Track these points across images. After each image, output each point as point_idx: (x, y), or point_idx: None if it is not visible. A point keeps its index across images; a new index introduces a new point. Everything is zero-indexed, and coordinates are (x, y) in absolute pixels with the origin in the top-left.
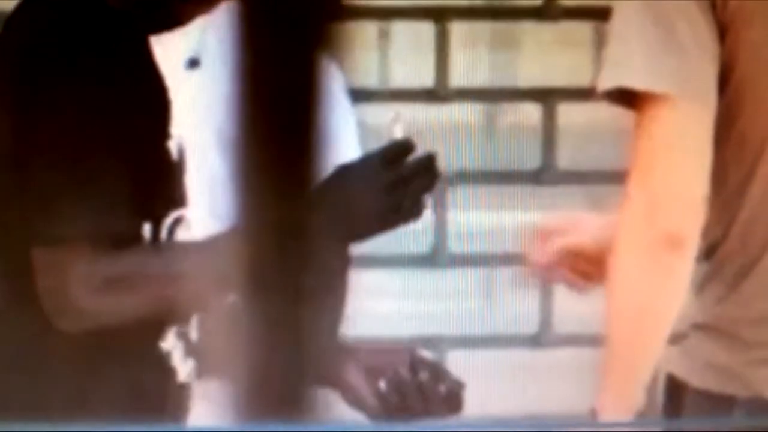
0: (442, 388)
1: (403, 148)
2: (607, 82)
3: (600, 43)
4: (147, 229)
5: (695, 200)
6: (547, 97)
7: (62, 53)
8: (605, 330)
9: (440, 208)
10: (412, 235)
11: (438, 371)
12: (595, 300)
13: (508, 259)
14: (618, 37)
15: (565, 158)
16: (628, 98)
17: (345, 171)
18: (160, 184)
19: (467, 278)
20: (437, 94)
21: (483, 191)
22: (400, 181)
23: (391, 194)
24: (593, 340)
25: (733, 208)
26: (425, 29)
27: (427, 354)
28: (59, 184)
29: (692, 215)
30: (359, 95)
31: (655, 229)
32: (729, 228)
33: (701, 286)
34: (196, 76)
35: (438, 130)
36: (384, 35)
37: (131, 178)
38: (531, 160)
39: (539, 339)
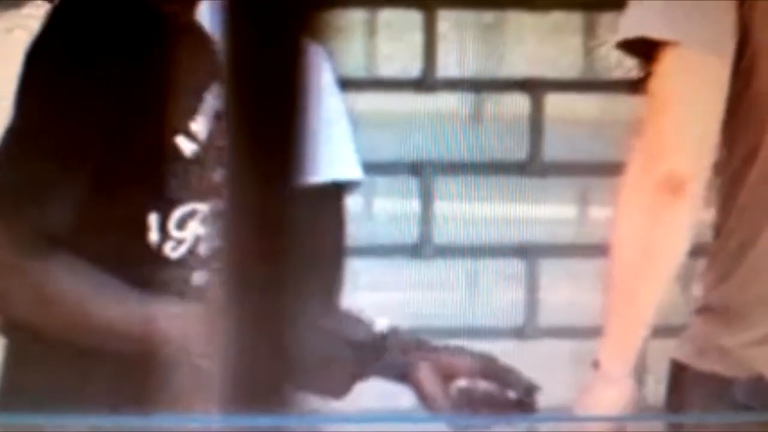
0: (513, 395)
1: (368, 341)
2: (621, 33)
3: (589, 34)
4: (153, 219)
5: (700, 146)
6: (534, 87)
7: (95, 43)
8: (607, 274)
9: (426, 198)
10: (397, 226)
11: (510, 377)
12: (580, 293)
13: (493, 251)
14: None
15: (552, 150)
16: (644, 50)
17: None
18: (170, 176)
19: (452, 269)
20: (424, 83)
21: (469, 182)
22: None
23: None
24: (578, 333)
25: (736, 186)
26: (412, 18)
27: (501, 360)
28: (30, 164)
29: (695, 160)
30: (345, 84)
31: (657, 170)
32: (731, 207)
33: (705, 270)
34: None
35: (424, 119)
36: (371, 24)
37: (133, 168)
38: (518, 151)
39: (524, 331)
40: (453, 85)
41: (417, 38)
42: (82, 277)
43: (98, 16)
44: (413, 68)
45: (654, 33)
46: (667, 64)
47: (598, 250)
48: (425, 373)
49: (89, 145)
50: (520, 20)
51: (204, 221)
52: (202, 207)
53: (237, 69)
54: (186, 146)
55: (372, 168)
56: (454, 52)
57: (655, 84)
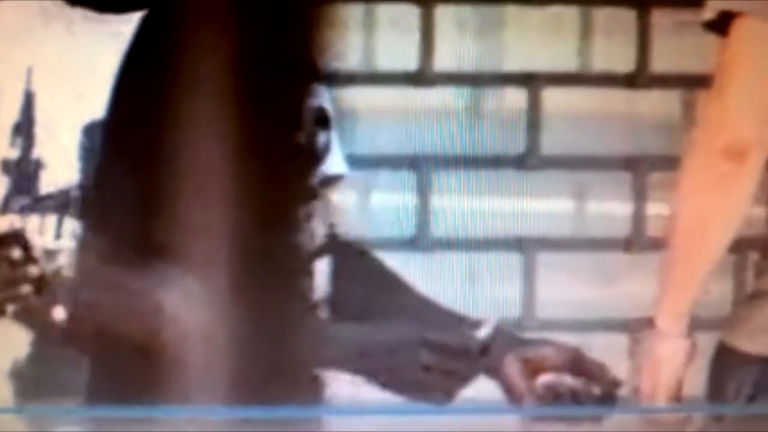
0: (596, 390)
1: (471, 349)
2: (705, 13)
3: (587, 28)
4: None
5: (761, 116)
6: (532, 82)
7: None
8: (667, 234)
9: (424, 192)
10: (394, 219)
11: (596, 372)
12: (578, 286)
13: (491, 244)
14: None
15: (549, 144)
16: (724, 26)
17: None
18: (292, 175)
19: (450, 263)
20: (422, 77)
21: (467, 176)
22: (436, 368)
23: (426, 372)
24: (575, 326)
25: None
26: (410, 12)
27: (588, 354)
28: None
29: (758, 128)
30: (343, 79)
31: (720, 137)
32: None
33: (758, 257)
34: None
35: (422, 114)
36: (369, 18)
37: (266, 167)
38: (515, 145)
39: (521, 324)
40: (451, 79)
41: (415, 33)
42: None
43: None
44: (411, 63)
45: (723, 5)
46: (734, 34)
47: (596, 243)
48: (511, 367)
49: (193, 155)
50: (518, 15)
51: (309, 219)
52: (310, 206)
53: (239, 67)
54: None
55: (370, 162)
56: (452, 47)
57: (722, 54)
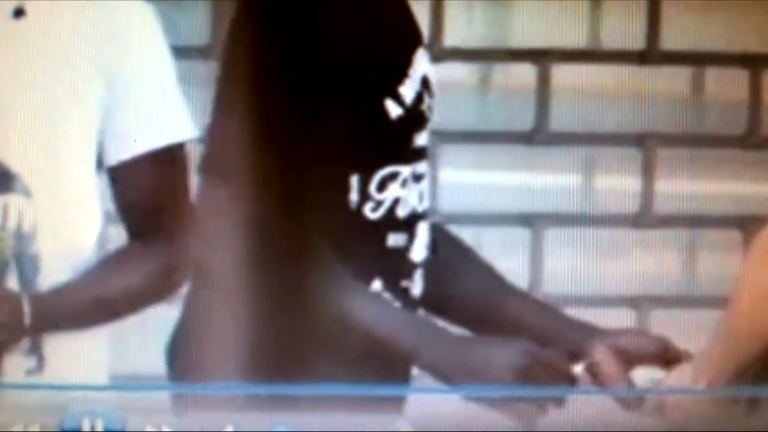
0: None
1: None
2: None
3: (597, 4)
4: (355, 180)
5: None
6: (541, 57)
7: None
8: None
9: (433, 167)
10: None
11: (685, 361)
12: (586, 261)
13: (499, 219)
14: None
15: (559, 120)
16: None
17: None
18: (374, 138)
19: None
20: (431, 53)
21: (476, 151)
22: (532, 378)
23: (523, 380)
24: (582, 301)
25: None
26: None
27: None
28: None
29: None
30: None
31: (730, 347)
32: None
33: None
34: (22, 25)
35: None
36: None
37: (340, 129)
38: (524, 120)
39: None
40: (460, 54)
41: (424, 8)
42: None
43: None
44: None
45: None
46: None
47: (604, 219)
48: (600, 354)
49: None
50: None
51: (404, 184)
52: (403, 169)
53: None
54: (393, 109)
55: None
56: (462, 22)
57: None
